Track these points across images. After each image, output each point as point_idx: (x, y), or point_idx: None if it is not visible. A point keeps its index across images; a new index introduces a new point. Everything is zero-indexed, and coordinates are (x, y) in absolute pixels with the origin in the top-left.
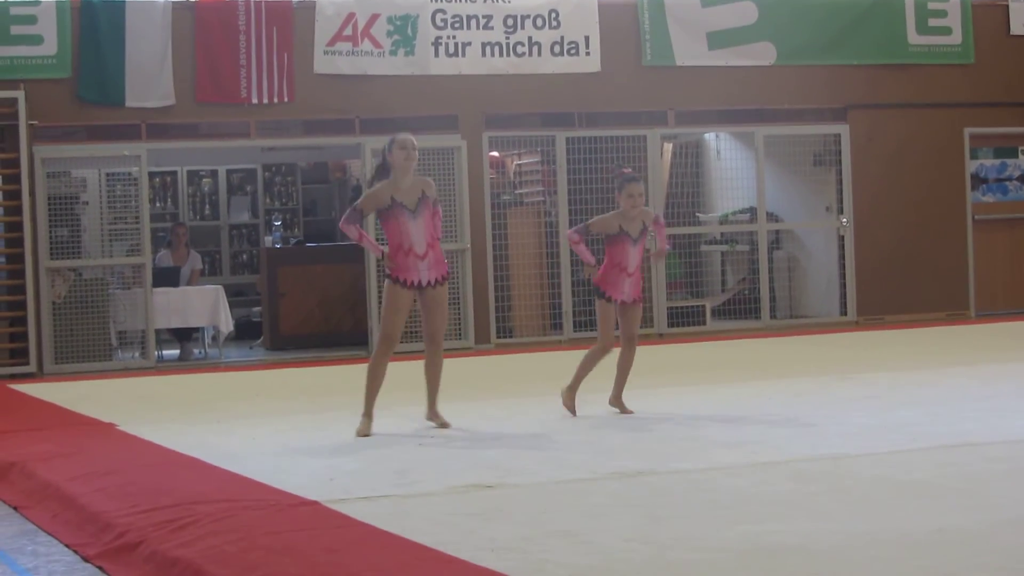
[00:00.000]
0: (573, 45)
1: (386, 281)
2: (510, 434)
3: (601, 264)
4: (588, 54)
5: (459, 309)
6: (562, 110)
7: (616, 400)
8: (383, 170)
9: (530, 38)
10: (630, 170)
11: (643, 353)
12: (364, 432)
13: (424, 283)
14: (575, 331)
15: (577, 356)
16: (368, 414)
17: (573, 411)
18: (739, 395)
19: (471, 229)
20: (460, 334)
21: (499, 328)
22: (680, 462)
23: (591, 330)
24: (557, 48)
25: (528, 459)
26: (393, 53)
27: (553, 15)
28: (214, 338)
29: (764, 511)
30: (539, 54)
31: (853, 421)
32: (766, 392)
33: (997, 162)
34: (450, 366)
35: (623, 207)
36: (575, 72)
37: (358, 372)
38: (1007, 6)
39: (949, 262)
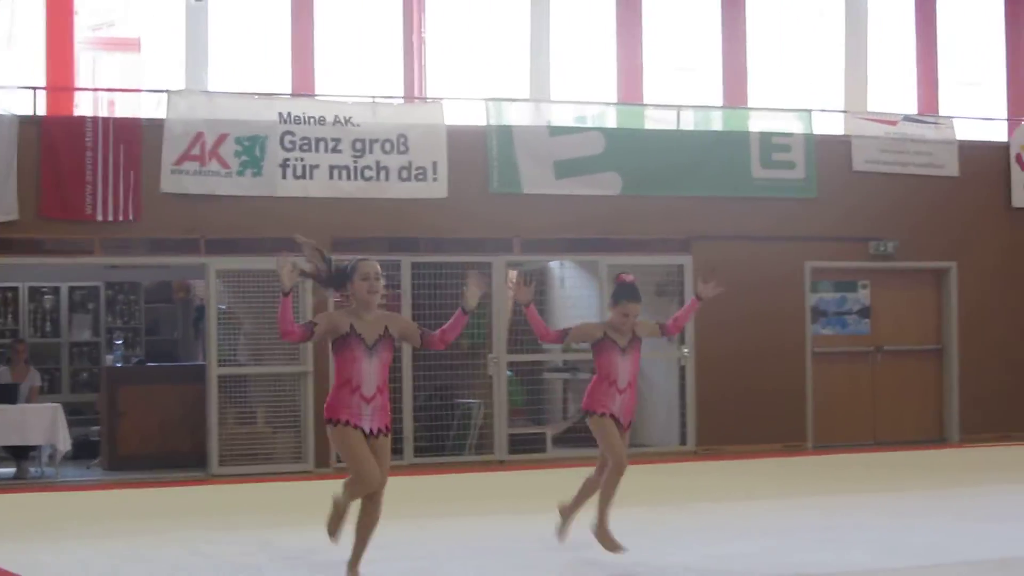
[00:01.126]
0: (421, 171)
1: (329, 429)
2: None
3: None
4: (436, 180)
5: (300, 432)
6: (408, 235)
7: (603, 532)
8: (339, 278)
9: (378, 162)
10: (632, 278)
11: (485, 480)
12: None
13: (366, 431)
14: (416, 456)
15: (419, 481)
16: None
17: (617, 545)
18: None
19: (314, 351)
20: (301, 457)
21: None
22: None
23: (432, 455)
24: (405, 173)
25: None
26: (240, 173)
27: (402, 140)
28: (51, 456)
29: None
30: (387, 178)
31: (695, 551)
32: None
33: (837, 296)
34: (291, 490)
35: (612, 319)
36: (422, 197)
37: (197, 494)
38: (850, 142)
39: (788, 394)
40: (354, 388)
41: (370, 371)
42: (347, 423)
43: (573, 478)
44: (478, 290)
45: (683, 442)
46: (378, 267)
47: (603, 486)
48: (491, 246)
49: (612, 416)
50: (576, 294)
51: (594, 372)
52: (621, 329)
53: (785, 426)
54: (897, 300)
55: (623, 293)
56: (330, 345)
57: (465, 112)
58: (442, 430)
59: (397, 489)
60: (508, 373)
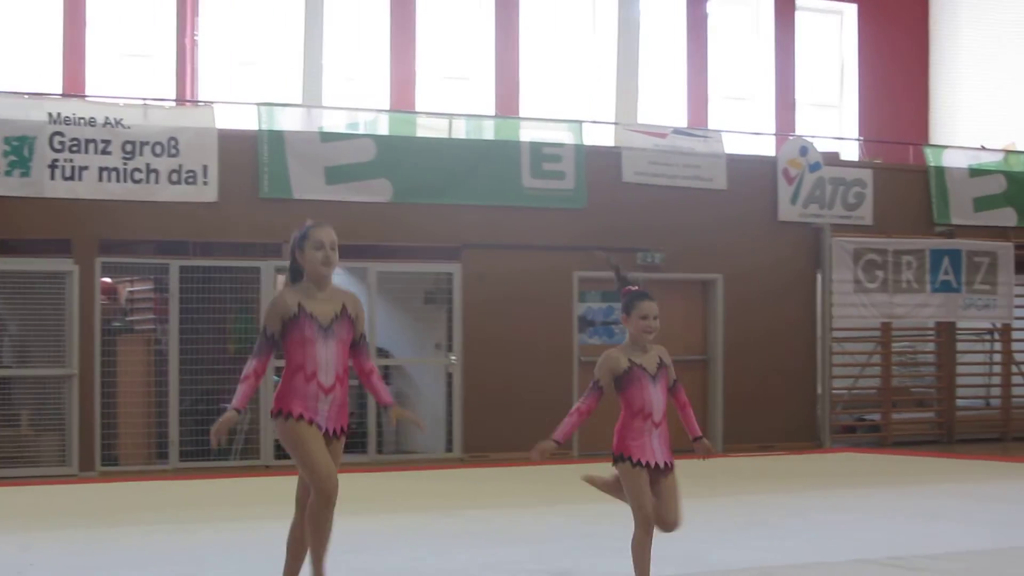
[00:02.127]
0: (191, 174)
1: (278, 424)
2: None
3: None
4: (206, 183)
5: (65, 435)
6: (178, 238)
7: None
8: (295, 274)
9: (148, 165)
10: (639, 286)
11: (248, 486)
12: None
13: (322, 428)
14: (181, 460)
15: (185, 486)
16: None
17: None
18: (348, 529)
19: (80, 354)
20: (65, 460)
21: (104, 455)
22: None
23: (198, 459)
24: (175, 176)
25: None
26: (8, 174)
27: (172, 143)
28: None
29: None
30: (156, 181)
31: (461, 557)
32: (368, 528)
33: (604, 305)
34: (53, 494)
35: (633, 334)
36: (192, 201)
37: None
38: (620, 154)
39: (555, 401)
40: (309, 376)
41: (326, 355)
42: (300, 418)
43: (342, 481)
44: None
45: (449, 448)
46: (334, 235)
47: (633, 555)
48: (260, 250)
49: (647, 465)
50: None
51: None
52: (645, 347)
53: (551, 432)
54: (664, 311)
55: (635, 296)
56: (277, 332)
57: (237, 116)
58: (208, 434)
59: (161, 494)
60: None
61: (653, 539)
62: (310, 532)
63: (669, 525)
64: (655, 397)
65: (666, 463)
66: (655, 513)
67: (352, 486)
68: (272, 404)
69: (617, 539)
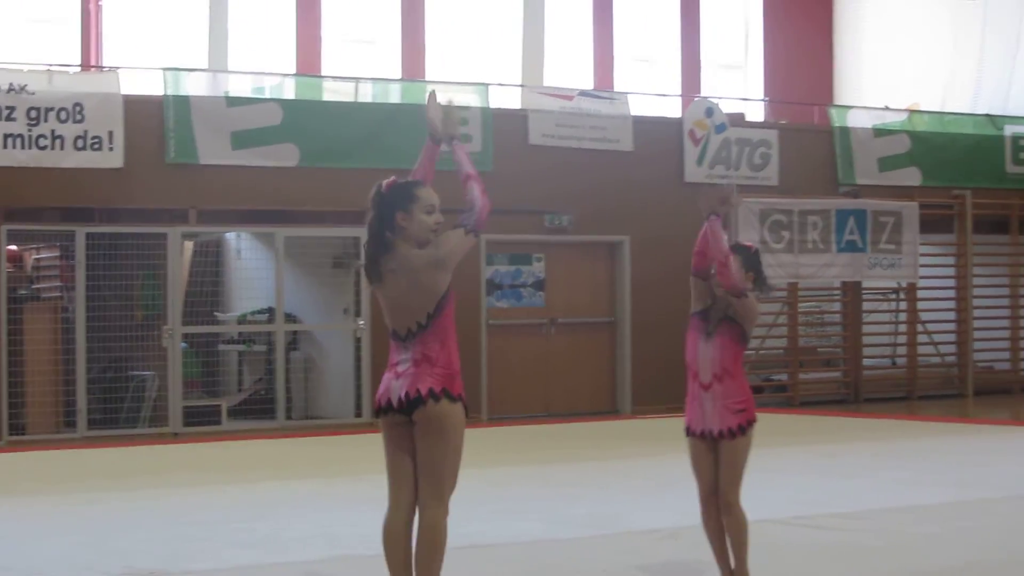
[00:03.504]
0: (96, 140)
1: (455, 407)
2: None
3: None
4: (112, 149)
5: None
6: (84, 205)
7: None
8: (382, 237)
9: (53, 131)
10: (750, 242)
11: (157, 453)
12: None
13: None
14: (89, 428)
15: (94, 455)
16: None
17: None
18: (257, 496)
19: None
20: None
21: (11, 424)
22: (194, 562)
23: (106, 427)
24: (80, 142)
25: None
26: None
27: (77, 109)
28: None
29: None
30: (62, 148)
31: (367, 521)
32: (277, 496)
33: (512, 268)
34: None
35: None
36: (98, 167)
37: None
38: (526, 116)
39: (463, 364)
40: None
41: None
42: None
43: (248, 450)
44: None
45: (358, 413)
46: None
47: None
48: (167, 216)
49: (694, 432)
50: (253, 266)
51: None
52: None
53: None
54: (571, 273)
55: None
56: (446, 297)
57: (142, 81)
58: (116, 402)
59: (69, 463)
60: (183, 345)
61: (716, 515)
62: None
63: (726, 503)
64: (703, 352)
65: (719, 430)
66: (708, 487)
67: (261, 453)
68: (441, 382)
69: (528, 501)
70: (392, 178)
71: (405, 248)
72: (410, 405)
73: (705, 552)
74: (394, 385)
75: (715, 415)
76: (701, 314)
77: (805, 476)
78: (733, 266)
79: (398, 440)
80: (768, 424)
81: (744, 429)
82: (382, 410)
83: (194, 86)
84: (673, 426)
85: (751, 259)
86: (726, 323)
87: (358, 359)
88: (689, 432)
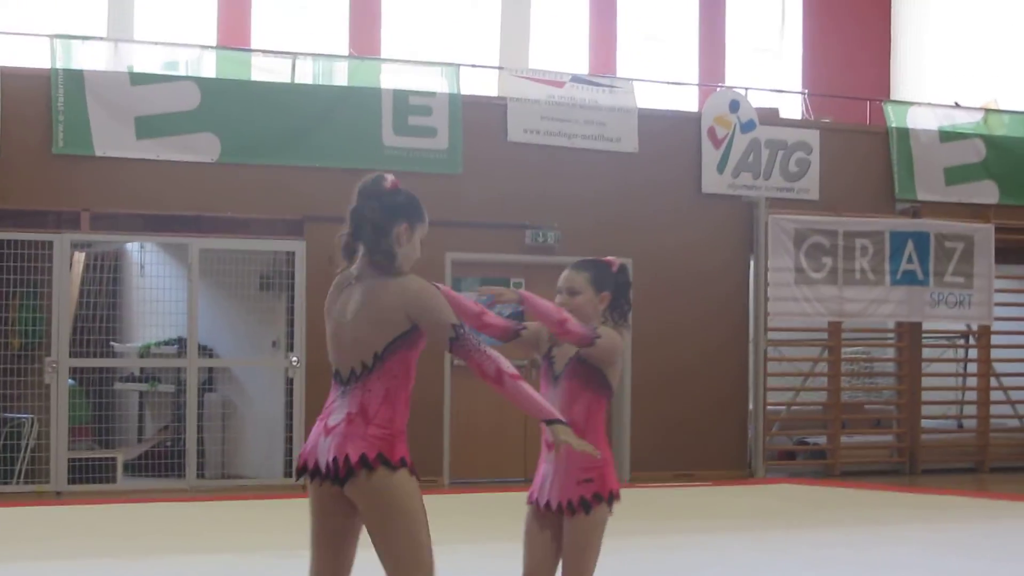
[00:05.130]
0: None
1: (395, 477)
2: None
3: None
4: None
5: None
6: None
7: None
8: (389, 255)
9: None
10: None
11: (35, 516)
12: None
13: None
14: None
15: None
16: None
17: None
18: (160, 573)
19: None
20: None
21: None
22: None
23: None
24: None
25: None
26: None
27: None
28: None
29: None
30: None
31: None
32: (190, 569)
33: (484, 297)
34: None
35: None
36: None
37: None
38: (505, 106)
39: (425, 406)
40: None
41: None
42: (408, 467)
43: (149, 515)
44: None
45: (288, 473)
46: None
47: None
48: (53, 220)
49: (531, 501)
50: (159, 285)
51: None
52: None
53: (417, 452)
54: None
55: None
56: (406, 337)
57: (24, 51)
58: None
59: None
60: (70, 382)
61: None
62: None
63: None
64: (551, 400)
65: (559, 501)
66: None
67: (166, 518)
68: (376, 446)
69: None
70: (392, 177)
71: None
72: (337, 476)
73: None
74: (322, 444)
75: (556, 483)
76: (546, 355)
77: (849, 564)
78: (572, 321)
79: (326, 506)
80: (801, 499)
81: (588, 505)
82: (308, 472)
83: (90, 58)
84: (681, 499)
85: (605, 277)
86: (575, 364)
87: (290, 404)
88: (529, 500)
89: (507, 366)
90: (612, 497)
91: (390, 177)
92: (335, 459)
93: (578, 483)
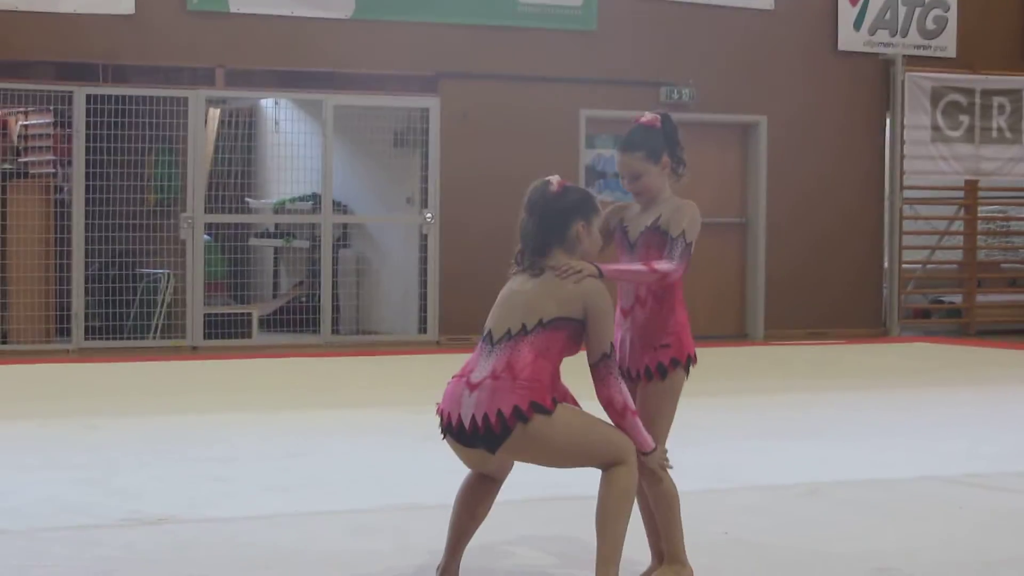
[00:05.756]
0: None
1: (557, 412)
2: None
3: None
4: None
5: None
6: (85, 60)
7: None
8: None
9: None
10: (646, 118)
11: (171, 371)
12: None
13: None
14: (87, 338)
15: (92, 369)
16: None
17: None
18: (295, 427)
19: None
20: None
21: None
22: (216, 508)
23: (106, 337)
24: None
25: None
26: None
27: None
28: None
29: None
30: None
31: (428, 459)
32: (322, 426)
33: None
34: None
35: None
36: (102, 13)
37: None
38: None
39: None
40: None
41: None
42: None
43: (282, 370)
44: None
45: (423, 330)
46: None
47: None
48: (188, 77)
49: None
50: (293, 141)
51: None
52: (628, 206)
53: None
54: (693, 161)
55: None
56: (571, 322)
57: None
58: (121, 307)
59: (65, 378)
60: (206, 237)
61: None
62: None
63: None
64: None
65: (638, 369)
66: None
67: (301, 374)
68: (528, 396)
69: None
70: (558, 178)
71: (562, 259)
72: (488, 436)
73: (850, 512)
74: (466, 400)
75: (634, 350)
76: (620, 224)
77: (983, 424)
78: (662, 264)
79: (470, 460)
80: (937, 357)
81: (665, 370)
82: (448, 431)
83: None
84: (815, 356)
85: (656, 142)
86: (649, 233)
87: (424, 261)
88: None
89: (632, 403)
90: (690, 361)
91: (555, 179)
92: (485, 416)
93: (655, 349)
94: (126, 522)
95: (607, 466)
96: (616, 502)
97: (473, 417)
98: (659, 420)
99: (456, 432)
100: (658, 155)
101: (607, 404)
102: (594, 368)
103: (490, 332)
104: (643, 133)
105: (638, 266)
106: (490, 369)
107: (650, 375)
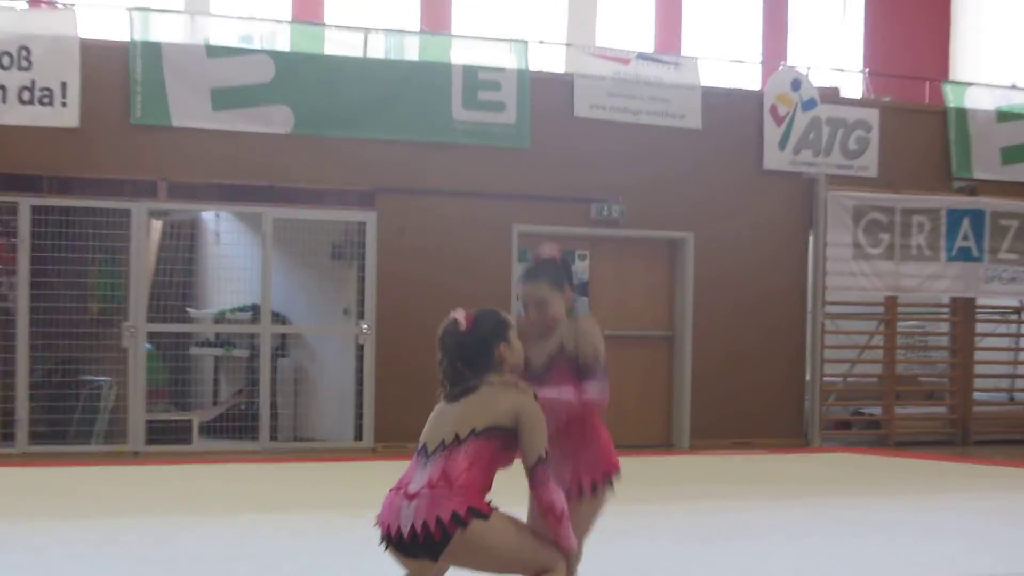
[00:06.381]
0: (46, 93)
1: (493, 517)
2: None
3: None
4: (65, 104)
5: None
6: (29, 172)
7: None
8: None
9: None
10: (550, 253)
11: (113, 475)
12: None
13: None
14: (31, 443)
15: (36, 474)
16: None
17: None
18: (235, 531)
19: None
20: None
21: None
22: None
23: (50, 442)
24: (27, 95)
25: None
26: None
27: (23, 53)
28: None
29: None
30: (3, 100)
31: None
32: (258, 530)
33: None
34: None
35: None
36: (48, 126)
37: None
38: (572, 82)
39: None
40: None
41: None
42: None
43: (222, 475)
44: None
45: (359, 436)
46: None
47: None
48: (131, 189)
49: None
50: (234, 253)
51: None
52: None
53: None
54: (622, 276)
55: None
56: (505, 432)
57: (104, 23)
58: (65, 413)
59: (7, 483)
60: (148, 346)
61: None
62: None
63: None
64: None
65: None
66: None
67: (240, 479)
68: (464, 502)
69: None
70: (463, 312)
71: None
72: (429, 544)
73: None
74: (405, 510)
75: (561, 474)
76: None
77: (902, 531)
78: (588, 392)
79: (415, 571)
80: (857, 467)
81: (596, 487)
82: (390, 541)
83: (168, 31)
84: (739, 466)
85: (558, 273)
86: (558, 359)
87: (360, 370)
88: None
89: (566, 509)
90: (617, 475)
91: (461, 315)
92: (424, 524)
93: (587, 468)
94: None
95: (538, 575)
96: None
97: (412, 526)
98: (582, 529)
99: (396, 543)
100: (560, 285)
101: (548, 508)
102: (532, 472)
103: (424, 445)
104: (548, 268)
105: (567, 396)
106: (426, 479)
107: (582, 492)
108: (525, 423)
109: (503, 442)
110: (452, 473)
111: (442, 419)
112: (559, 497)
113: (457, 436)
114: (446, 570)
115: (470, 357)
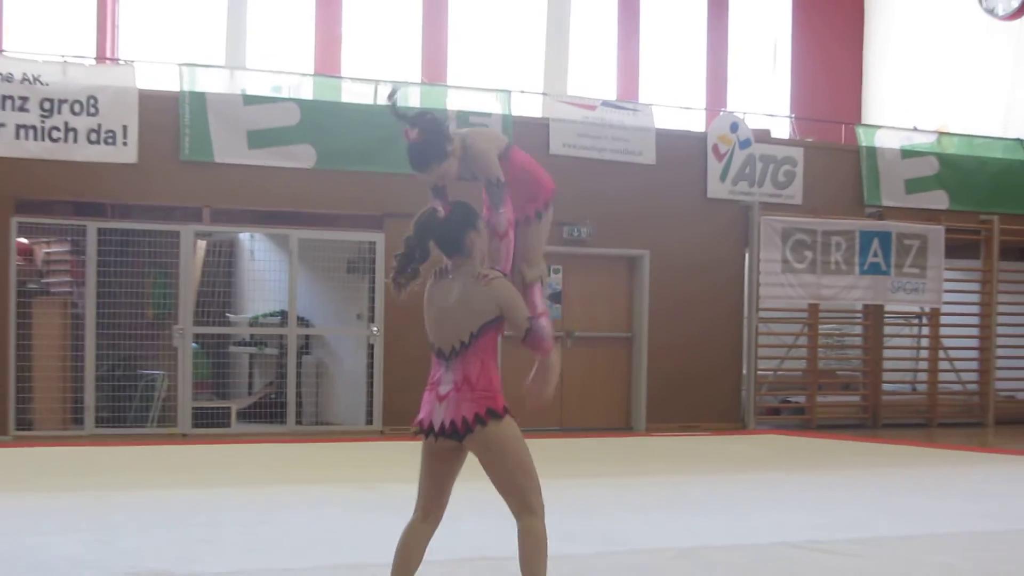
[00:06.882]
0: (110, 134)
1: (506, 421)
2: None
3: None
4: (125, 144)
5: None
6: (95, 199)
7: None
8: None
9: (67, 123)
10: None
11: (165, 453)
12: None
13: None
14: (96, 426)
15: (100, 452)
16: None
17: None
18: (265, 499)
19: None
20: None
21: (18, 420)
22: (200, 564)
23: (112, 425)
24: (94, 136)
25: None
26: None
27: (91, 102)
28: None
29: None
30: (75, 140)
31: (375, 528)
32: (284, 499)
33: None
34: None
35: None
36: (111, 161)
37: None
38: (548, 125)
39: None
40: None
41: None
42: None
43: (256, 454)
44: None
45: (369, 421)
46: None
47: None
48: (180, 215)
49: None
50: (266, 267)
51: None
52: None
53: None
54: (589, 286)
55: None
56: (494, 322)
57: (158, 76)
58: (125, 401)
59: (76, 460)
60: (193, 345)
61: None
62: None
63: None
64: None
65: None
66: None
67: (270, 456)
68: (484, 404)
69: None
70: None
71: (469, 268)
72: (456, 434)
73: (716, 572)
74: (437, 409)
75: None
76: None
77: (820, 500)
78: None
79: (440, 457)
80: (785, 447)
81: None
82: (425, 432)
83: (211, 82)
84: (686, 445)
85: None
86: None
87: (371, 366)
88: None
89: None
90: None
91: (440, 205)
92: (452, 422)
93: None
94: (128, 575)
95: (522, 506)
96: (535, 549)
97: (443, 423)
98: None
99: (429, 432)
100: (451, 242)
101: (541, 346)
102: (525, 339)
103: (440, 349)
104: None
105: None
106: (452, 382)
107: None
108: (506, 307)
109: (496, 326)
110: (472, 376)
111: (443, 326)
112: (552, 346)
113: (463, 342)
114: (464, 459)
115: (444, 240)
